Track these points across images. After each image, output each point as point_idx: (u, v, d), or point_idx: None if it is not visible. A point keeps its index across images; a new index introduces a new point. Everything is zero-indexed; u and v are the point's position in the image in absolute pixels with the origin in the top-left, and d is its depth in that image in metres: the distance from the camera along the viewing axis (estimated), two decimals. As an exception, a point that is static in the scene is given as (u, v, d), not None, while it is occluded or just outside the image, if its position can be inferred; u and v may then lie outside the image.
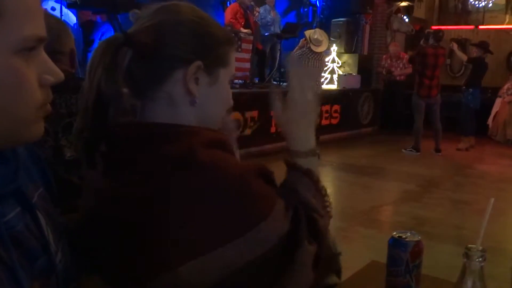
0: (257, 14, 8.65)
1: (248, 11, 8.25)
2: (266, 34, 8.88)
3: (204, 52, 0.86)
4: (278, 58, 9.00)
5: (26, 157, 0.75)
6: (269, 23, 8.97)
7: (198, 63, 0.84)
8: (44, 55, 0.67)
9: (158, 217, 0.74)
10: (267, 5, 8.81)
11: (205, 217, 0.73)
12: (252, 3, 8.56)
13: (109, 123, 0.83)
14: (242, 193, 0.76)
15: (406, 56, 9.55)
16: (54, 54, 1.58)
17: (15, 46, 0.60)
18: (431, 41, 7.36)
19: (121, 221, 0.76)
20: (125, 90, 0.83)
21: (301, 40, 8.20)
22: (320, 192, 0.90)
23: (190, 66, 0.84)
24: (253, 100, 6.70)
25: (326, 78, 9.37)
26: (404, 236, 0.98)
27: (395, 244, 0.97)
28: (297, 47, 8.15)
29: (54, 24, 1.60)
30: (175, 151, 0.77)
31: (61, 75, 0.69)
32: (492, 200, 0.83)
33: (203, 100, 0.86)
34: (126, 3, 5.57)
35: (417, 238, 0.97)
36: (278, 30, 8.87)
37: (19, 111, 0.62)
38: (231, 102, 0.93)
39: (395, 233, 0.99)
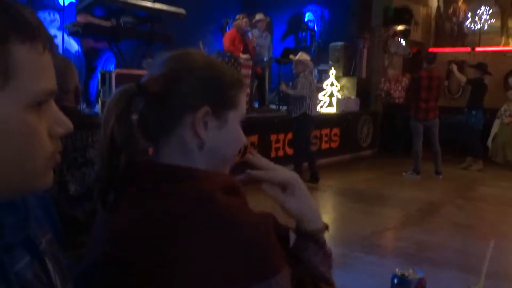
0: (254, 39, 8.74)
1: (246, 36, 8.35)
2: (266, 59, 8.99)
3: (212, 97, 0.89)
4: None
5: (34, 203, 0.76)
6: (263, 46, 9.10)
7: (206, 108, 0.87)
8: (54, 107, 0.69)
9: (171, 256, 0.75)
10: (255, 30, 8.93)
11: (217, 260, 0.75)
12: (249, 27, 8.68)
13: (123, 165, 0.85)
14: (256, 244, 0.77)
15: (405, 79, 9.63)
16: (59, 92, 1.63)
17: (27, 102, 0.62)
18: (424, 64, 7.43)
19: (135, 260, 0.77)
20: (138, 135, 0.87)
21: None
22: (326, 255, 0.93)
23: (198, 111, 0.87)
24: (253, 125, 6.75)
25: (325, 102, 9.44)
26: (406, 274, 0.99)
27: (399, 282, 0.98)
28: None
29: (60, 63, 1.65)
30: (193, 193, 0.80)
31: (70, 126, 0.71)
32: (492, 243, 0.83)
33: (213, 143, 0.89)
34: (127, 31, 5.67)
35: (419, 275, 0.98)
36: (268, 56, 9.01)
37: (30, 164, 0.64)
38: (244, 141, 0.96)
39: (397, 270, 1.00)
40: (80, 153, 1.56)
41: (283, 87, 6.69)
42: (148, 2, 5.51)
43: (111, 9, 5.35)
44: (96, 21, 5.93)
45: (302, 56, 6.43)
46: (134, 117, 0.87)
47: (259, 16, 9.15)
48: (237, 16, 8.34)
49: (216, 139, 0.89)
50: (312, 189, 6.29)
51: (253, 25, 8.95)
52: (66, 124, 0.69)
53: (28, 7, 0.65)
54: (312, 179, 6.46)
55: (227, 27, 10.03)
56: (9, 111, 0.61)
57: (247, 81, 8.00)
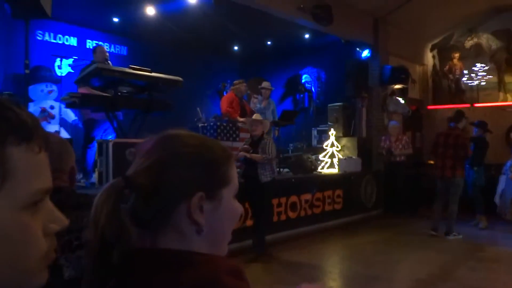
0: (256, 100, 8.90)
1: (243, 100, 8.53)
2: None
3: (205, 181, 0.89)
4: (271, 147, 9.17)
5: None
6: (259, 112, 9.26)
7: (200, 194, 0.88)
8: (49, 204, 0.70)
9: None
10: (259, 96, 9.13)
11: None
12: (249, 91, 8.88)
13: (116, 261, 0.84)
14: None
15: (405, 137, 9.72)
16: (54, 171, 1.64)
17: (23, 202, 0.63)
18: (452, 124, 7.51)
19: None
20: (131, 228, 0.85)
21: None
22: None
23: (192, 199, 0.87)
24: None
25: (326, 163, 9.48)
26: None
27: None
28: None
29: (57, 143, 1.68)
30: (197, 278, 0.80)
31: (66, 222, 0.71)
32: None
33: (211, 225, 0.90)
34: (124, 101, 5.79)
35: None
36: (271, 118, 9.14)
37: (24, 263, 0.64)
38: (241, 211, 0.97)
39: None
40: (75, 235, 1.53)
41: (242, 154, 6.04)
42: (146, 72, 5.67)
43: (109, 79, 5.49)
44: (95, 91, 6.07)
45: (258, 116, 6.40)
46: (125, 206, 0.86)
47: (265, 84, 9.40)
48: (236, 81, 8.55)
49: (213, 220, 0.89)
50: (315, 252, 6.17)
51: (257, 91, 9.18)
52: (61, 221, 0.70)
53: (24, 107, 0.68)
54: (259, 249, 6.02)
55: (225, 91, 10.27)
56: (4, 212, 0.61)
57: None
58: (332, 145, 9.59)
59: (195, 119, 8.66)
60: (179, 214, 0.87)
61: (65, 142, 1.74)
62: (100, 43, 9.58)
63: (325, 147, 9.63)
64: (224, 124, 7.79)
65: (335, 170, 9.30)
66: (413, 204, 9.78)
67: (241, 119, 8.31)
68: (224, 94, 9.91)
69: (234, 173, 0.96)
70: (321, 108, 11.27)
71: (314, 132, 10.77)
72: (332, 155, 9.55)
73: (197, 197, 0.87)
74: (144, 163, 0.89)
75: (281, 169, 8.65)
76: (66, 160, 1.69)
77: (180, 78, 6.04)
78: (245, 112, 8.44)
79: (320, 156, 9.55)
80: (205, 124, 8.02)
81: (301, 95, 11.84)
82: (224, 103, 8.38)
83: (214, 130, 7.64)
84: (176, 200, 0.87)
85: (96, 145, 5.64)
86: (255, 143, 6.08)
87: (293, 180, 7.78)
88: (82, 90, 6.10)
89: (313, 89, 11.83)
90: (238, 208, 0.96)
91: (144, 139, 0.96)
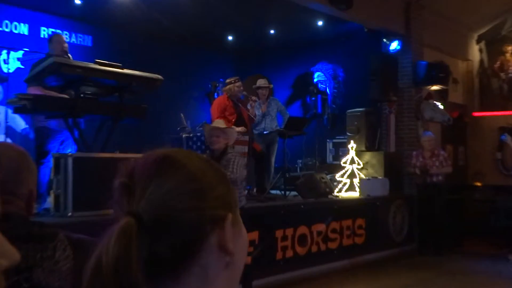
0: (253, 104, 8.92)
1: (239, 105, 8.56)
2: (265, 132, 9.15)
3: (228, 200, 0.94)
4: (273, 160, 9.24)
5: None
6: (260, 119, 9.30)
7: (230, 216, 0.92)
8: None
9: None
10: (258, 99, 9.18)
11: None
12: (245, 92, 8.91)
13: None
14: None
15: (443, 152, 9.73)
16: (6, 193, 1.60)
17: None
18: (503, 137, 7.48)
19: None
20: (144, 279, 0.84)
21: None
22: None
23: (225, 223, 0.91)
24: (252, 218, 6.72)
25: (344, 184, 9.50)
26: None
27: None
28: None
29: (15, 158, 1.66)
30: None
31: (17, 257, 0.73)
32: None
33: (236, 255, 0.93)
34: (88, 105, 5.81)
35: None
36: (270, 127, 9.16)
37: None
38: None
39: None
40: (25, 276, 1.53)
41: None
42: (116, 68, 5.70)
43: (69, 78, 5.52)
44: (51, 92, 6.08)
45: (220, 123, 6.33)
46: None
47: (260, 82, 9.41)
48: (228, 80, 8.60)
49: (237, 249, 0.93)
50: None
51: (254, 91, 9.21)
52: (11, 255, 0.73)
53: None
54: None
55: (216, 93, 10.31)
56: None
57: (244, 160, 8.09)
58: (352, 162, 9.61)
59: (178, 128, 8.70)
60: (209, 249, 0.89)
61: (26, 158, 1.71)
62: (58, 31, 9.62)
63: (343, 165, 9.65)
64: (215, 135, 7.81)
65: (355, 194, 9.31)
66: (456, 237, 9.77)
67: (237, 129, 8.33)
68: (215, 96, 9.95)
69: (236, 198, 1.00)
70: (338, 114, 11.30)
71: (329, 145, 10.80)
72: (352, 174, 9.56)
73: (229, 220, 0.91)
74: (153, 193, 0.88)
75: (287, 192, 8.66)
76: (24, 182, 1.67)
77: (159, 77, 6.06)
78: (242, 119, 8.47)
79: (337, 176, 9.56)
80: (191, 135, 8.06)
81: (313, 98, 11.88)
82: (214, 108, 8.41)
83: (202, 142, 7.67)
84: (205, 229, 0.89)
85: (51, 160, 5.65)
86: (216, 160, 5.68)
87: (302, 206, 7.80)
88: (34, 90, 6.11)
89: (328, 90, 11.88)
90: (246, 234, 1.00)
91: (130, 159, 0.96)
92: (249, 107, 8.87)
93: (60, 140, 6.51)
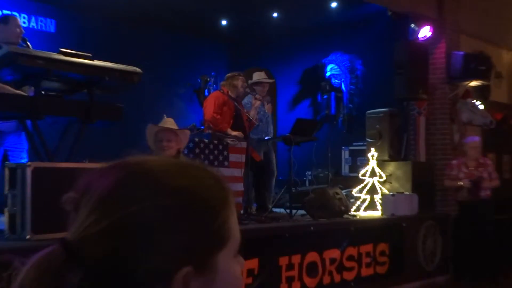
0: (257, 103, 8.90)
1: (238, 105, 8.58)
2: (266, 138, 9.17)
3: (193, 248, 0.92)
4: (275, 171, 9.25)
5: None
6: (264, 120, 9.32)
7: (187, 269, 0.90)
8: None
9: None
10: (250, 96, 9.23)
11: None
12: (248, 90, 8.93)
13: None
14: None
15: (488, 161, 9.68)
16: None
17: None
18: None
19: None
20: None
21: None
22: None
23: (175, 277, 0.89)
24: (250, 242, 6.73)
25: (363, 201, 9.49)
26: None
27: None
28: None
29: None
30: None
31: None
32: None
33: None
34: (50, 104, 5.81)
35: None
36: (269, 132, 9.19)
37: None
38: (241, 279, 1.00)
39: None
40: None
41: None
42: (84, 59, 5.70)
43: (27, 71, 5.52)
44: (6, 88, 6.08)
45: (170, 123, 6.19)
46: None
47: (257, 75, 9.42)
48: (229, 74, 8.72)
49: None
50: None
51: (250, 89, 9.21)
52: None
53: None
54: None
55: (206, 89, 10.33)
56: None
57: (239, 173, 8.12)
58: (373, 173, 9.61)
59: (161, 133, 8.72)
60: None
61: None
62: (15, 13, 9.61)
63: (361, 177, 9.65)
64: (206, 140, 7.83)
65: (377, 213, 9.30)
66: (502, 265, 9.73)
67: (234, 133, 8.37)
68: (206, 94, 9.97)
69: (234, 222, 0.98)
70: (355, 116, 11.33)
71: (345, 154, 10.82)
72: (372, 189, 9.55)
73: (182, 275, 0.89)
74: (98, 221, 0.89)
75: (294, 211, 8.65)
76: None
77: (137, 69, 6.07)
78: (240, 121, 8.50)
79: (354, 191, 9.56)
80: (176, 141, 8.07)
81: (325, 97, 11.92)
82: (209, 105, 8.49)
83: (190, 150, 7.67)
84: (150, 281, 0.88)
85: (4, 171, 5.63)
86: None
87: (312, 228, 7.79)
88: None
89: (343, 87, 11.90)
90: (238, 277, 0.99)
91: (89, 170, 0.96)
92: (262, 109, 8.94)
93: (4, 147, 6.52)
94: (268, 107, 9.37)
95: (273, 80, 10.10)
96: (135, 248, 0.87)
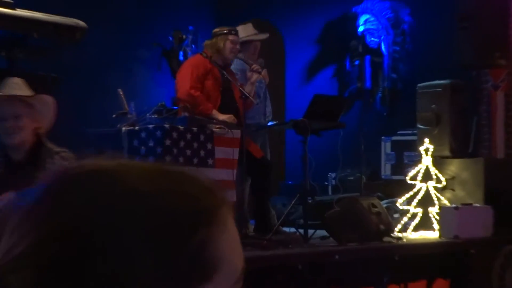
0: (255, 76, 8.91)
1: (228, 75, 8.58)
2: (270, 123, 9.17)
3: (150, 281, 0.93)
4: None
5: None
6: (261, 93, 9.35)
7: None
8: None
9: None
10: (239, 60, 9.32)
11: None
12: (241, 55, 8.94)
13: None
14: None
15: None
16: None
17: None
18: None
19: None
20: None
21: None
22: None
23: None
24: (247, 277, 6.74)
25: (412, 216, 9.50)
26: None
27: None
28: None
29: None
30: None
31: None
32: None
33: None
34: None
35: None
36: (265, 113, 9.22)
37: None
38: None
39: None
40: None
41: None
42: (3, 8, 5.71)
43: None
44: None
45: (17, 86, 5.65)
46: None
47: (244, 30, 9.41)
48: (218, 29, 8.83)
49: None
50: None
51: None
52: None
53: None
54: None
55: (181, 52, 10.33)
56: None
57: (230, 176, 8.11)
58: (428, 176, 9.62)
59: (114, 115, 8.69)
60: None
61: None
62: None
63: (410, 182, 9.65)
64: (181, 127, 7.82)
65: (433, 235, 9.33)
66: None
67: (222, 116, 8.34)
68: (181, 58, 9.97)
69: (228, 245, 1.00)
70: (401, 92, 11.36)
71: (386, 147, 10.87)
72: (426, 199, 9.57)
73: None
74: (27, 240, 0.92)
75: (309, 232, 8.64)
76: None
77: (79, 23, 6.08)
78: (231, 99, 8.54)
79: (399, 203, 9.56)
80: (136, 128, 8.05)
81: (356, 62, 11.94)
82: (184, 77, 8.57)
83: (157, 142, 7.67)
84: None
85: None
86: (14, 173, 5.17)
87: (337, 256, 7.83)
88: None
89: (382, 47, 11.93)
90: None
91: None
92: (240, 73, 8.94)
93: None
94: (264, 73, 9.32)
95: (267, 35, 9.99)
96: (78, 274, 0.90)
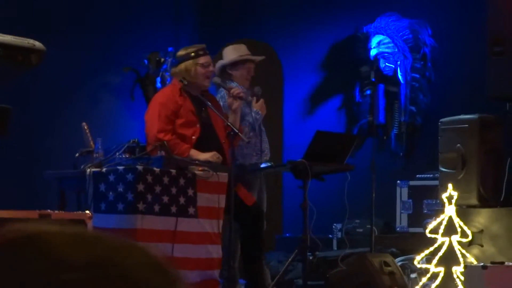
0: (236, 105, 8.92)
1: (207, 103, 8.62)
2: (263, 165, 9.18)
3: None
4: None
5: None
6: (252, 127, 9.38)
7: None
8: None
9: None
10: (221, 90, 9.24)
11: None
12: (218, 80, 8.96)
13: None
14: None
15: None
16: None
17: None
18: None
19: None
20: None
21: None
22: None
23: None
24: None
25: (432, 277, 9.51)
26: None
27: None
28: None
29: None
30: None
31: None
32: None
33: None
34: None
35: None
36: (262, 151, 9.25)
37: None
38: None
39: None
40: None
41: None
42: None
43: None
44: None
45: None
46: None
47: (235, 51, 9.47)
48: (183, 51, 8.83)
49: None
50: None
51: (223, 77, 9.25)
52: None
53: None
54: None
55: (159, 78, 10.38)
56: None
57: (216, 227, 8.11)
58: (451, 229, 9.63)
59: (77, 154, 8.71)
60: None
61: None
62: None
63: (430, 235, 9.66)
64: (157, 170, 7.82)
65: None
66: None
67: (204, 156, 8.33)
68: (159, 85, 10.01)
69: None
70: (421, 127, 11.39)
71: (402, 194, 10.88)
72: (450, 257, 9.58)
73: None
74: None
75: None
76: None
77: (36, 44, 6.11)
78: (213, 135, 8.54)
79: (418, 260, 9.57)
80: (103, 169, 8.07)
81: (368, 92, 11.98)
82: (151, 116, 8.61)
83: (128, 186, 7.68)
84: None
85: None
86: None
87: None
88: None
89: (399, 74, 11.98)
90: None
91: None
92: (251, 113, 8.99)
93: None
94: (260, 104, 9.32)
95: (262, 57, 10.00)
96: None
